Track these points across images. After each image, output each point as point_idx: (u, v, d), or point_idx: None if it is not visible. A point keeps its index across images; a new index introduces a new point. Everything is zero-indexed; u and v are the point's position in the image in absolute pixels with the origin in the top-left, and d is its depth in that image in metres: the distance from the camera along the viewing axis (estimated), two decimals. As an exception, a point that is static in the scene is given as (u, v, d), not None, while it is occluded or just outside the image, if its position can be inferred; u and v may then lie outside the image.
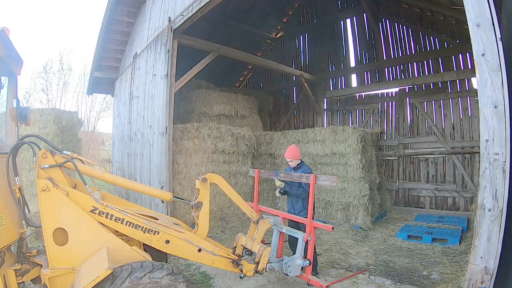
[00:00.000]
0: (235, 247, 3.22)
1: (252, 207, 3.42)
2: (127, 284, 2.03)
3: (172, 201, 3.63)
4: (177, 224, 3.04)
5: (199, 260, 2.82)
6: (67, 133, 8.84)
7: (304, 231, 3.41)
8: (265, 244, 3.31)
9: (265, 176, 4.59)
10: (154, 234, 2.61)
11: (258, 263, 3.06)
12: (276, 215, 3.76)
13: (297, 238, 3.38)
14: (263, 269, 3.06)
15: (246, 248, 3.18)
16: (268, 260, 3.10)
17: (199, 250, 2.78)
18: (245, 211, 3.24)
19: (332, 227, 3.27)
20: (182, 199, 3.36)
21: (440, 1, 6.75)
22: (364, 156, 6.48)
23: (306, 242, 3.32)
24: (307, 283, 3.41)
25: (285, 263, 3.24)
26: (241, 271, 3.02)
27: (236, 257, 3.03)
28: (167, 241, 2.66)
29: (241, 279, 3.79)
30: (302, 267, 3.31)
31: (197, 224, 2.93)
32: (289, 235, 3.69)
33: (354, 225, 6.18)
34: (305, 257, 3.35)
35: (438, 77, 7.76)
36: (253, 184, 5.20)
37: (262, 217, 3.30)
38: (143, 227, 2.59)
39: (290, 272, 3.24)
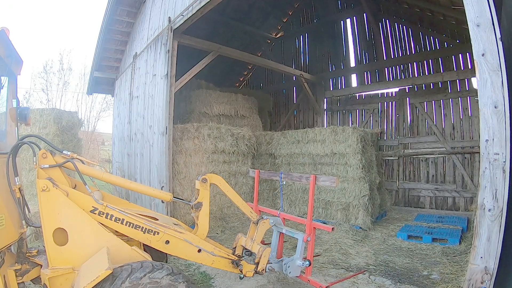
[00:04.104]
0: (235, 247, 3.22)
1: (252, 208, 3.42)
2: (127, 284, 2.03)
3: (172, 202, 3.63)
4: (177, 225, 3.04)
5: (198, 261, 2.82)
6: (67, 133, 8.84)
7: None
8: (265, 244, 3.31)
9: (265, 177, 4.59)
10: (154, 234, 2.61)
11: (258, 263, 3.06)
12: (275, 216, 3.75)
13: None
14: (263, 269, 3.06)
15: (246, 249, 3.18)
16: (268, 260, 3.10)
17: (199, 250, 2.78)
18: (245, 212, 3.24)
19: (332, 228, 3.26)
20: (182, 200, 3.37)
21: (440, 1, 6.75)
22: (364, 156, 6.47)
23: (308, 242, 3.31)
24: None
25: (284, 264, 3.24)
26: (241, 271, 3.02)
27: (236, 258, 3.03)
28: (167, 242, 2.66)
29: (241, 279, 3.79)
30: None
31: (197, 224, 2.92)
32: None
33: (354, 225, 6.18)
34: (305, 258, 3.35)
35: (438, 77, 7.76)
36: (253, 184, 5.19)
37: (262, 218, 3.30)
38: (143, 227, 2.59)
39: (289, 272, 3.23)
